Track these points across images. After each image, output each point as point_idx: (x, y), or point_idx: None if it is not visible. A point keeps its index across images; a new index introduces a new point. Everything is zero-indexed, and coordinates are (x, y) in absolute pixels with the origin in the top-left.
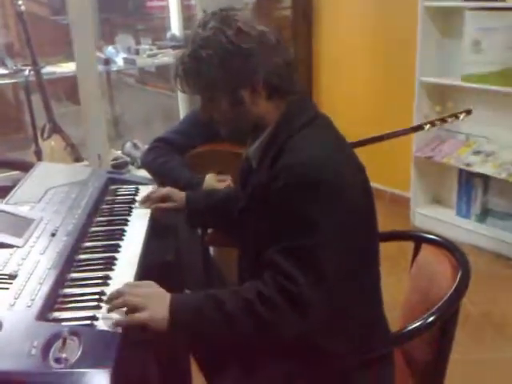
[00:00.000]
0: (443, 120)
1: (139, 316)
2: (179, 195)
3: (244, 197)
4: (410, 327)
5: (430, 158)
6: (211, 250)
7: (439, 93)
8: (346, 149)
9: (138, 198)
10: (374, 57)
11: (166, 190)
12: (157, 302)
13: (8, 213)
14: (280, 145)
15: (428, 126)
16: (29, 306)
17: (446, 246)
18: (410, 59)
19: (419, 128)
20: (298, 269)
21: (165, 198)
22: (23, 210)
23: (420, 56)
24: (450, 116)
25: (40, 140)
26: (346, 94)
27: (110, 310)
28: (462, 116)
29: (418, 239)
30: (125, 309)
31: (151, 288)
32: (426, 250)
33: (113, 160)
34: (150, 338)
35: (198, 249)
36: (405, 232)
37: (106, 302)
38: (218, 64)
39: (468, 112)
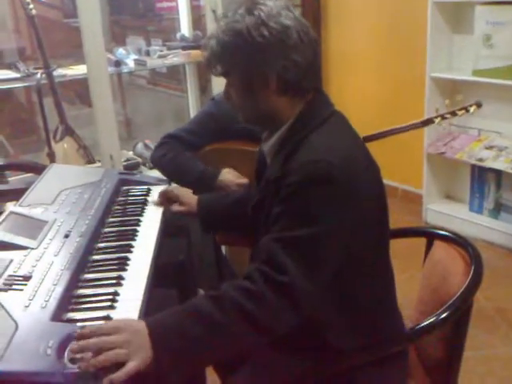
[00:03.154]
0: (453, 113)
1: (129, 368)
2: (190, 199)
3: (257, 192)
4: (424, 323)
5: (442, 154)
6: (223, 248)
7: (450, 88)
8: (361, 147)
9: (149, 199)
10: (383, 54)
11: (177, 192)
12: (137, 344)
13: (22, 215)
14: (296, 142)
15: (438, 119)
16: (43, 307)
17: (459, 241)
18: (420, 55)
19: (429, 122)
20: (292, 259)
21: (175, 199)
22: (37, 212)
23: (430, 51)
24: (460, 109)
25: (53, 142)
26: (356, 92)
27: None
28: (472, 109)
29: (431, 235)
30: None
31: (123, 330)
32: (439, 247)
33: (125, 161)
34: None
35: (211, 248)
36: (417, 228)
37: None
38: (233, 51)
39: (478, 105)
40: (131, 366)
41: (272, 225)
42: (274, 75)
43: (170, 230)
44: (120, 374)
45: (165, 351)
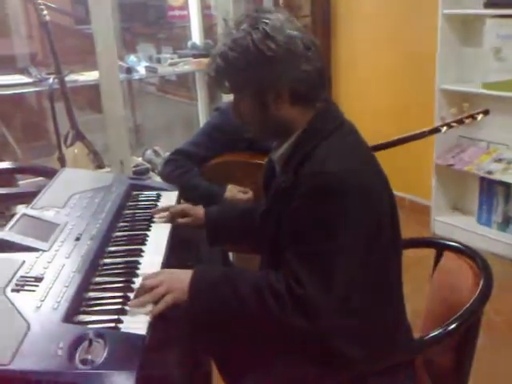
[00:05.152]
0: (460, 121)
1: (165, 302)
2: (196, 210)
3: (266, 200)
4: (432, 334)
5: (451, 166)
6: (231, 255)
7: (459, 100)
8: (371, 158)
9: (159, 204)
10: (393, 64)
11: (185, 206)
12: (177, 282)
13: (34, 217)
14: (306, 151)
15: (445, 128)
16: (55, 309)
17: (468, 253)
18: (429, 67)
19: (436, 130)
20: (309, 273)
21: (183, 214)
22: (48, 215)
23: (440, 64)
24: (467, 117)
25: (63, 147)
26: (365, 103)
27: (140, 306)
28: (479, 117)
29: (440, 246)
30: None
31: (167, 274)
32: (448, 258)
33: (134, 166)
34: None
35: (218, 255)
36: (426, 239)
37: (135, 297)
38: (243, 67)
39: (485, 112)
40: (165, 301)
41: (288, 237)
42: (286, 87)
43: (178, 236)
44: (159, 306)
45: (196, 291)
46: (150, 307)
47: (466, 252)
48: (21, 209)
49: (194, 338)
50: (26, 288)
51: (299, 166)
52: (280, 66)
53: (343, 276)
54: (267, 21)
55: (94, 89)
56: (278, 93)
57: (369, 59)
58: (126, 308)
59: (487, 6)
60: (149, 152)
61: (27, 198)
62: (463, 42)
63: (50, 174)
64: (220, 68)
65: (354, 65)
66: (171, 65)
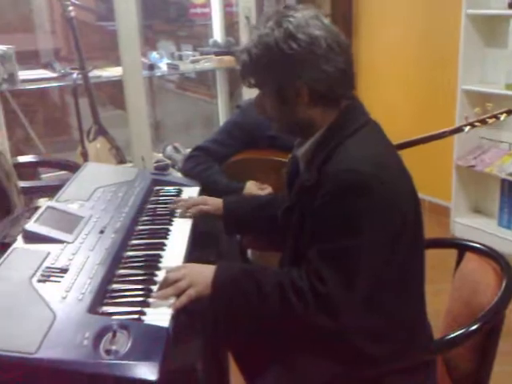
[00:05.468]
0: (483, 121)
1: (188, 295)
2: (215, 200)
3: (290, 197)
4: (454, 334)
5: (472, 167)
6: (249, 252)
7: (482, 101)
8: (395, 157)
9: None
10: (415, 65)
11: (203, 196)
12: (199, 277)
13: (59, 210)
14: (330, 149)
15: (468, 127)
16: (80, 300)
17: (491, 254)
18: (452, 67)
19: (459, 130)
20: (332, 271)
21: (203, 203)
22: (73, 208)
23: (462, 64)
24: (491, 117)
25: (86, 142)
26: (386, 103)
27: (162, 299)
28: (502, 116)
29: (462, 247)
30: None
31: (191, 267)
32: (470, 259)
33: (154, 162)
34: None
35: (236, 251)
36: (448, 239)
37: (159, 290)
38: (265, 64)
39: (508, 112)
40: (188, 294)
41: (312, 234)
42: (305, 87)
43: (200, 231)
44: (182, 299)
45: (219, 286)
46: (172, 300)
47: (489, 253)
48: (43, 202)
49: (214, 332)
50: (51, 279)
51: (323, 164)
52: (298, 65)
53: (367, 274)
54: (292, 19)
55: (114, 85)
56: (297, 91)
57: (390, 59)
58: (149, 300)
59: None
60: (169, 148)
61: (49, 191)
62: (487, 42)
63: (72, 168)
64: (245, 63)
65: (374, 64)
66: (193, 62)
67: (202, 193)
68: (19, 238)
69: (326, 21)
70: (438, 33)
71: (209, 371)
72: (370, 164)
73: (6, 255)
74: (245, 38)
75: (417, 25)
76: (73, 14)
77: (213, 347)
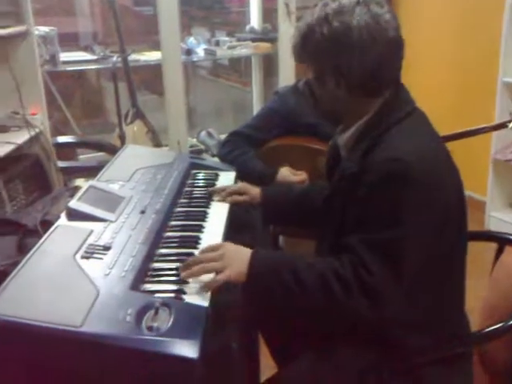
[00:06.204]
0: None
1: (220, 277)
2: (253, 190)
3: (330, 185)
4: (492, 328)
5: (509, 162)
6: (280, 238)
7: None
8: (442, 147)
9: (217, 183)
10: (454, 54)
11: (241, 185)
12: (235, 260)
13: (101, 189)
14: (375, 137)
15: (511, 124)
16: (122, 277)
17: None
18: (492, 58)
19: (502, 126)
20: (378, 261)
21: (240, 192)
22: (114, 188)
23: (504, 56)
24: None
25: (123, 124)
26: (424, 93)
27: (185, 278)
28: None
29: (503, 241)
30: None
31: (228, 248)
32: (509, 252)
33: (189, 147)
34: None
35: (268, 239)
36: (487, 232)
37: (182, 270)
38: (304, 47)
39: None
40: (220, 277)
41: (356, 224)
42: (344, 76)
43: (236, 216)
44: (209, 283)
45: (255, 274)
46: (209, 277)
47: None
48: (80, 182)
49: (248, 316)
50: (94, 256)
51: (366, 153)
52: (333, 52)
53: (412, 265)
54: (334, 5)
55: (150, 69)
56: (336, 80)
57: (429, 47)
58: (189, 280)
59: None
60: (203, 134)
61: (86, 171)
62: None
63: (109, 149)
64: (295, 40)
65: (413, 52)
66: (230, 48)
67: (237, 177)
68: (62, 216)
69: (379, 8)
70: (480, 24)
71: (241, 352)
72: (415, 154)
73: (50, 231)
74: (283, 25)
75: (458, 16)
76: None
77: (246, 329)
